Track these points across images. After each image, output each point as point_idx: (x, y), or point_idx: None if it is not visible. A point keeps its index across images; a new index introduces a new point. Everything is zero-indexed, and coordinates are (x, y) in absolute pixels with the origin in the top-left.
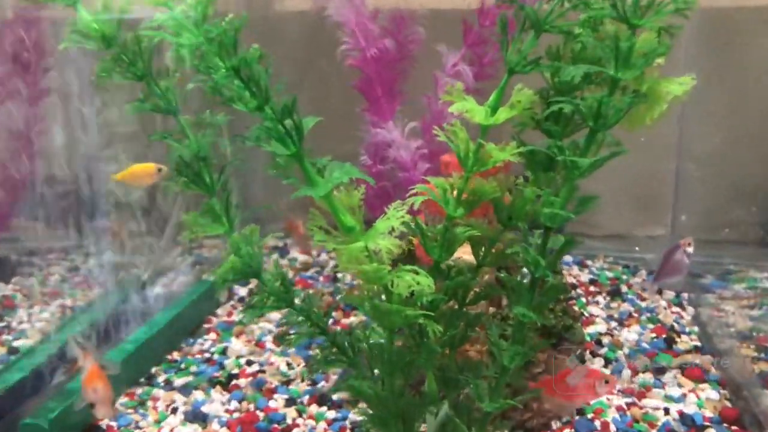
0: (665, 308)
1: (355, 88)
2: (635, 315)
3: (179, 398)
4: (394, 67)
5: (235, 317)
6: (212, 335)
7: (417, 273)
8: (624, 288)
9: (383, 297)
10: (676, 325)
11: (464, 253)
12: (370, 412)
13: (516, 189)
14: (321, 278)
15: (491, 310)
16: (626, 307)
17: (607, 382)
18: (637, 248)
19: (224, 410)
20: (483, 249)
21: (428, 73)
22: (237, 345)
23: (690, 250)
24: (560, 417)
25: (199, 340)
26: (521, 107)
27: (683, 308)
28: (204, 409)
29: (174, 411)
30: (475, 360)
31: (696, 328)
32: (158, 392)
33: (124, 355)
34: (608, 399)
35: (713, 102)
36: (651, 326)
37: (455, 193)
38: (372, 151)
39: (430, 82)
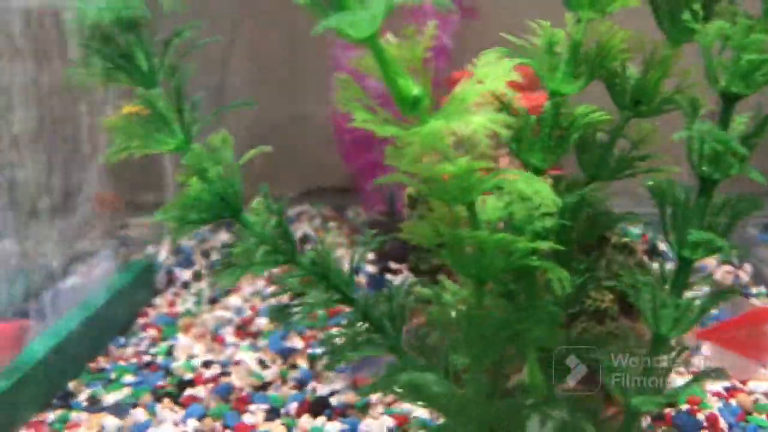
0: (716, 266)
1: None
2: None
3: (111, 422)
4: None
5: (180, 307)
6: (151, 332)
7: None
8: (661, 245)
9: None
10: (737, 287)
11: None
12: (440, 422)
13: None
14: None
15: None
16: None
17: None
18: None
19: None
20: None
21: None
22: (186, 342)
23: None
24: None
25: (133, 340)
26: None
27: (736, 266)
28: None
29: None
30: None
31: (764, 289)
32: (79, 416)
33: (26, 367)
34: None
35: None
36: (709, 289)
37: (567, 48)
38: None
39: None
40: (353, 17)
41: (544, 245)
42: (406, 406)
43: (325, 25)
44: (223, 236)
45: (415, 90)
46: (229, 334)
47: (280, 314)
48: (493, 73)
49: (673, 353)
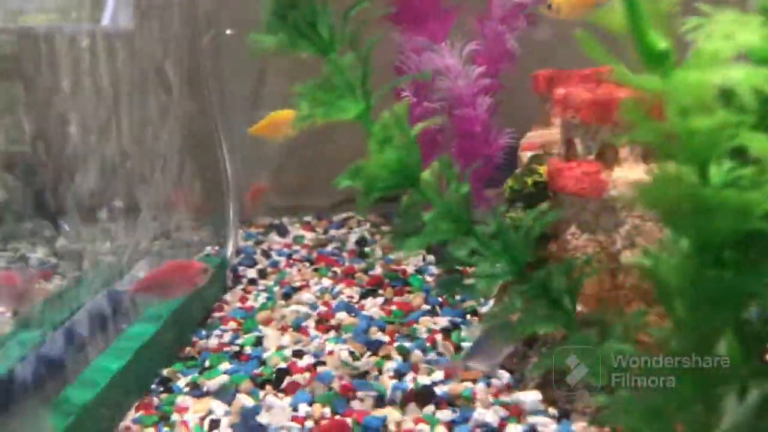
0: None
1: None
2: None
3: (219, 406)
4: None
5: (252, 302)
6: (231, 324)
7: None
8: None
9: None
10: None
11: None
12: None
13: None
14: (345, 254)
15: None
16: None
17: None
18: None
19: (290, 418)
20: None
21: None
22: (273, 333)
23: None
24: None
25: (215, 332)
26: None
27: None
28: (261, 419)
29: (215, 425)
30: None
31: None
32: (184, 400)
33: (130, 353)
34: None
35: None
36: None
37: None
38: (415, 85)
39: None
40: None
41: None
42: (515, 397)
43: None
44: (275, 238)
45: (663, 44)
46: (310, 328)
47: (448, 286)
48: (743, 28)
49: None
